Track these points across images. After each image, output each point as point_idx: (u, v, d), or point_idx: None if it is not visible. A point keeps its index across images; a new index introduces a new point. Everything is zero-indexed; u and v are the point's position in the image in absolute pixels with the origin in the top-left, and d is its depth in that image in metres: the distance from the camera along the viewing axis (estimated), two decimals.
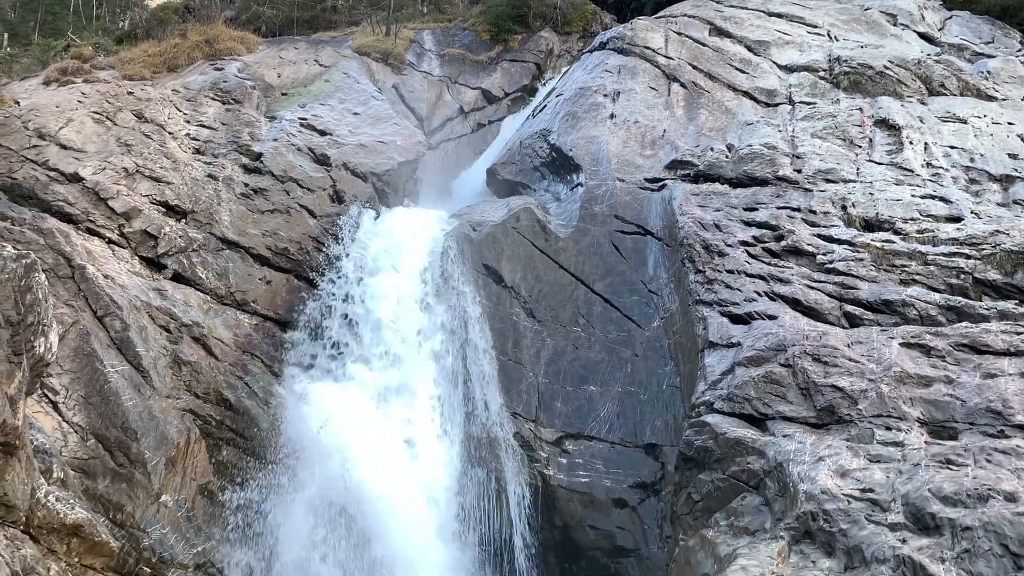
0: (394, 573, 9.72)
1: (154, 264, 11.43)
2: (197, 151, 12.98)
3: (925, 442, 8.54)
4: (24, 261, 7.45)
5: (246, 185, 12.50)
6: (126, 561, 9.22)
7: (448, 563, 10.16)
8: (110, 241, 11.31)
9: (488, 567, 11.06)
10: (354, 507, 10.03)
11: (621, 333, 12.59)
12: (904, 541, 7.56)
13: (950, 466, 8.02)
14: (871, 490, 8.13)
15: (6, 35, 21.98)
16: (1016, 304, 9.92)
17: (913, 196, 12.14)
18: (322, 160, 13.42)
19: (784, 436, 9.18)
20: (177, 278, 11.36)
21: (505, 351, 12.40)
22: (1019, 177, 12.86)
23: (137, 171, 12.05)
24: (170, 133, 13.09)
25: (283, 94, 15.58)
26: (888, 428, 8.81)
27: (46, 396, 9.57)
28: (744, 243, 11.89)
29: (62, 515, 8.60)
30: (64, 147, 11.92)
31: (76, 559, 8.81)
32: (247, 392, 10.77)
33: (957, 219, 11.62)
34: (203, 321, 10.95)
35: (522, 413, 12.30)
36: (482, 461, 11.29)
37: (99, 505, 9.27)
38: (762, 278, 11.26)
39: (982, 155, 13.30)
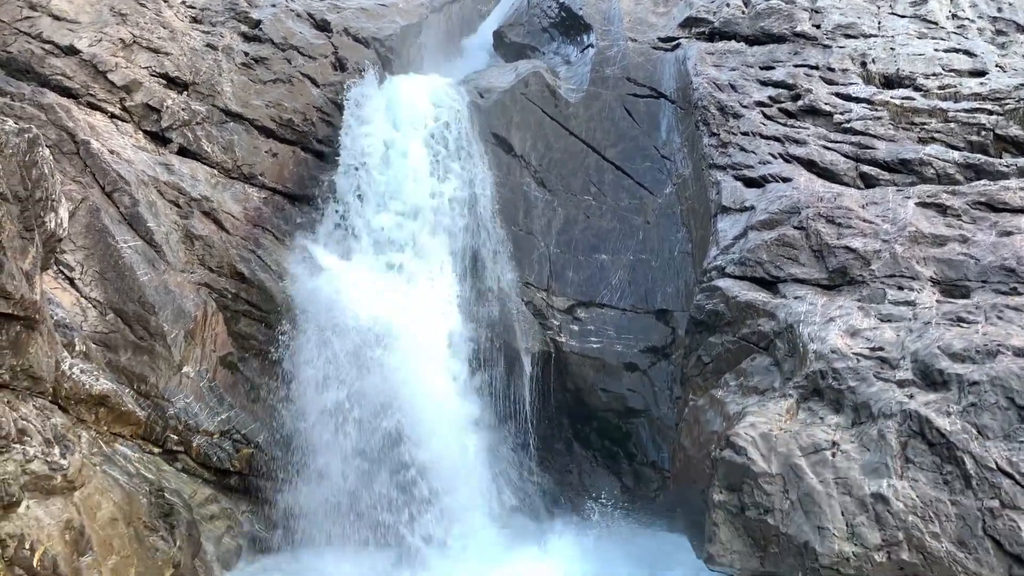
0: (415, 430, 9.98)
1: (159, 138, 11.26)
2: (194, 20, 12.55)
3: (936, 301, 8.55)
4: (27, 136, 7.34)
5: (246, 54, 12.14)
6: (153, 429, 9.54)
7: (463, 420, 10.45)
8: (112, 116, 11.10)
9: (503, 428, 11.39)
10: (370, 375, 10.21)
11: (633, 201, 12.48)
12: (911, 397, 7.69)
13: (960, 323, 8.06)
14: (881, 348, 8.21)
15: None
16: None
17: (936, 50, 11.69)
18: (322, 26, 12.97)
19: (795, 298, 9.22)
20: (183, 152, 11.21)
21: (516, 221, 12.34)
22: None
23: (134, 42, 11.69)
24: (165, 1, 12.62)
25: None
26: (900, 288, 8.81)
27: (62, 272, 9.66)
28: (760, 104, 11.58)
29: (87, 386, 8.85)
30: (57, 18, 11.53)
31: (105, 428, 9.13)
32: (260, 265, 10.83)
33: (981, 73, 11.23)
34: (212, 195, 10.88)
35: (534, 283, 12.37)
36: (494, 330, 11.42)
37: (123, 377, 9.51)
38: (777, 140, 11.03)
39: (1011, 4, 12.72)
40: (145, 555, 7.98)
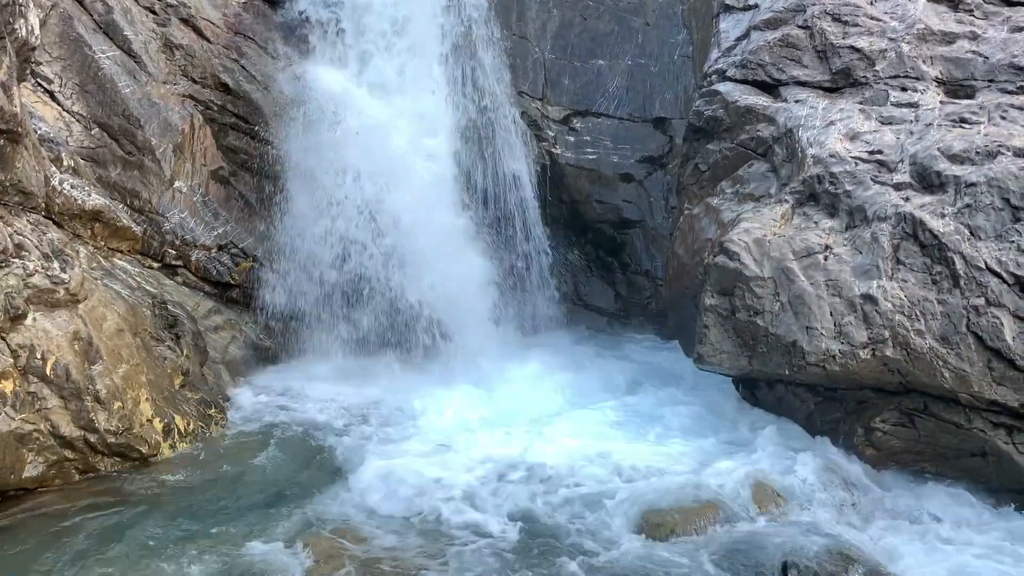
0: (415, 233, 10.03)
1: None
2: None
3: (940, 102, 8.35)
4: None
5: None
6: (150, 244, 9.59)
7: (461, 232, 10.49)
8: None
9: (501, 245, 11.46)
10: (365, 171, 10.08)
11: (632, 0, 11.91)
12: (907, 199, 7.67)
13: (963, 124, 7.91)
14: (879, 152, 8.10)
15: None
16: None
17: None
18: None
19: (796, 102, 8.99)
20: None
21: (509, 25, 11.84)
22: None
23: None
24: None
25: None
26: (904, 89, 8.57)
27: (41, 86, 9.34)
28: None
29: (80, 202, 8.80)
30: None
31: (102, 243, 9.17)
32: (245, 76, 10.47)
33: None
34: (188, 0, 10.35)
35: (528, 91, 12.05)
36: (489, 141, 11.22)
37: (115, 193, 9.43)
38: None
39: None
40: (154, 364, 8.23)
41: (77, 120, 9.36)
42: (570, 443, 8.08)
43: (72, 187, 8.80)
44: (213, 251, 10.00)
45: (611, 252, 12.37)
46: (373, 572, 5.80)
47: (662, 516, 6.58)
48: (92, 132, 9.40)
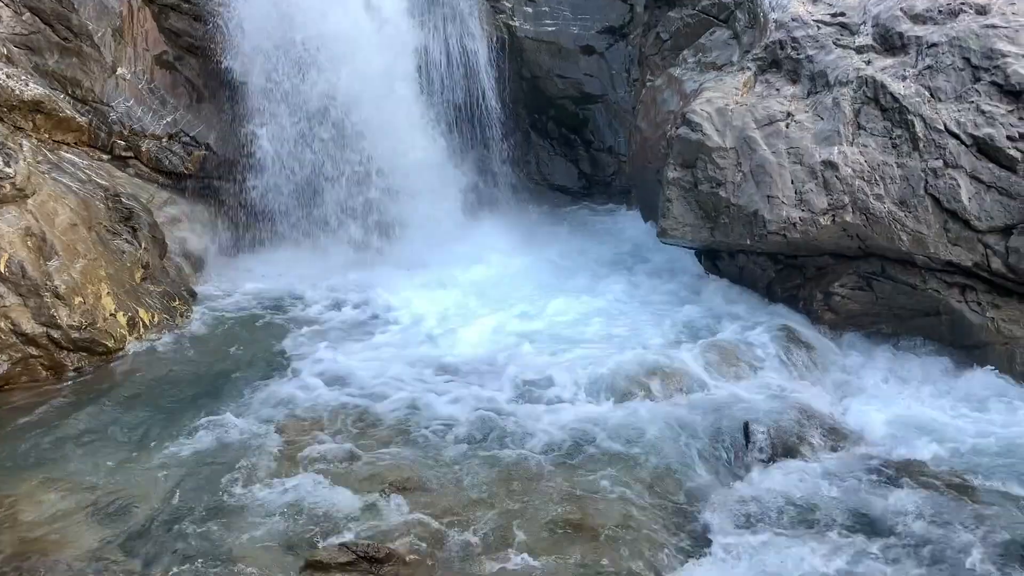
0: (375, 129, 9.78)
1: None
2: None
3: None
4: None
5: None
6: (97, 135, 9.25)
7: (421, 117, 10.24)
8: None
9: (462, 125, 11.22)
10: (317, 45, 9.69)
11: None
12: (869, 63, 7.59)
13: None
14: (842, 14, 7.95)
15: None
16: None
17: None
18: None
19: None
20: None
21: None
22: None
23: None
24: None
25: None
26: None
27: None
28: None
29: (18, 92, 8.40)
30: None
31: (46, 135, 8.82)
32: None
33: None
34: None
35: None
36: (444, 12, 10.81)
37: (55, 82, 9.02)
38: None
39: None
40: (112, 258, 8.09)
41: (5, 4, 8.82)
42: (536, 323, 8.19)
43: (8, 76, 8.39)
44: (164, 140, 9.70)
45: (573, 129, 12.20)
46: (337, 452, 5.93)
47: (627, 383, 6.75)
48: (23, 17, 8.89)
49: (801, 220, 7.48)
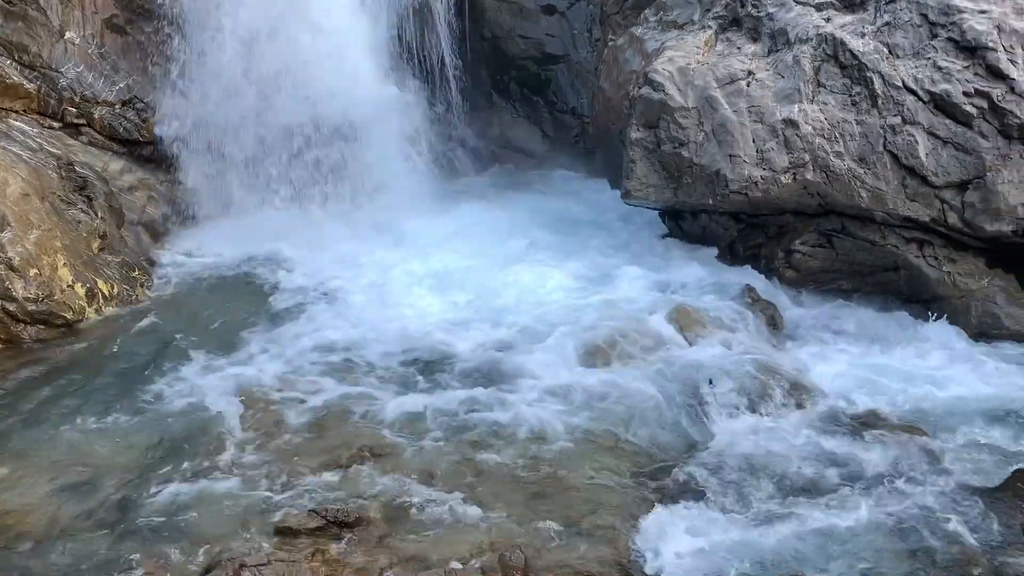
0: (328, 89, 9.58)
1: None
2: None
3: None
4: None
5: None
6: (47, 103, 8.98)
7: (377, 78, 10.07)
8: None
9: (422, 86, 11.07)
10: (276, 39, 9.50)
11: None
12: (828, 20, 7.61)
13: None
14: None
15: None
16: None
17: None
18: None
19: None
20: None
21: None
22: None
23: None
24: None
25: None
26: None
27: None
28: None
29: None
30: None
31: None
32: None
33: None
34: None
35: None
36: None
37: (0, 48, 8.74)
38: None
39: None
40: (68, 228, 7.91)
41: None
42: (507, 286, 8.19)
43: None
44: (117, 107, 9.45)
45: (536, 90, 12.12)
46: (303, 418, 5.91)
47: (593, 345, 6.79)
48: None
49: (762, 179, 7.53)
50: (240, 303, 8.00)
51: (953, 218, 6.95)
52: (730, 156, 7.64)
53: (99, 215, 8.35)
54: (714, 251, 8.48)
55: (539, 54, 11.85)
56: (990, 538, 4.66)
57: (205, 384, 6.37)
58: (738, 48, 7.97)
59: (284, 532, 4.64)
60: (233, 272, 8.77)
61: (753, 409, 6.04)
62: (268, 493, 5.10)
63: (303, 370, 6.62)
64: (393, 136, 10.18)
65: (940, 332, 7.00)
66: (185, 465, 5.38)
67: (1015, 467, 5.19)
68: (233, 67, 9.43)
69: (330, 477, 5.25)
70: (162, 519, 4.87)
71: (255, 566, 4.24)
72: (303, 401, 6.15)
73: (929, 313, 7.13)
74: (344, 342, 7.04)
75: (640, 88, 8.22)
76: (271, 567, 4.26)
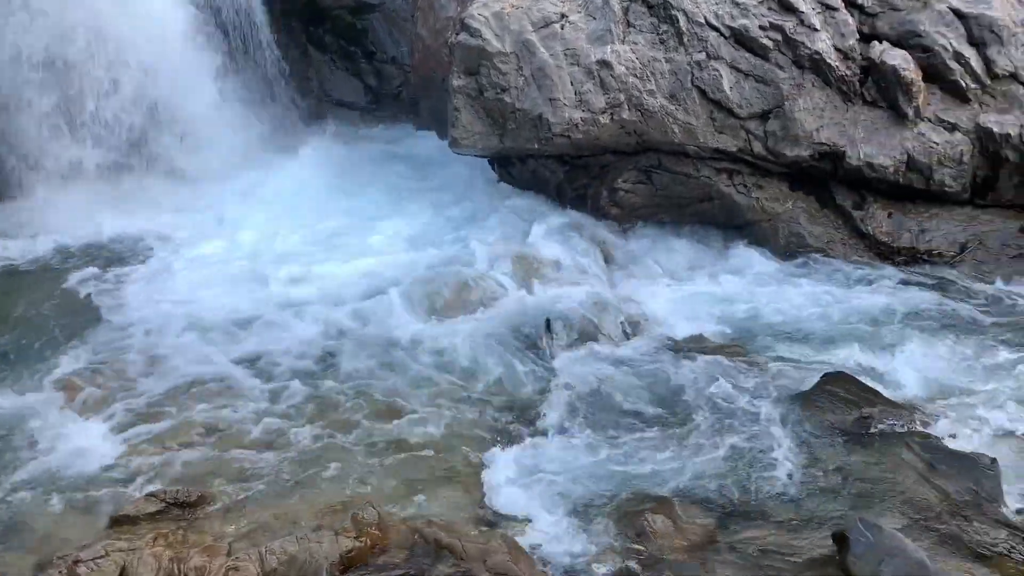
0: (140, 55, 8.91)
1: None
2: None
3: None
4: None
5: None
6: None
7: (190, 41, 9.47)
8: None
9: (237, 54, 10.48)
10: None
11: None
12: None
13: None
14: None
15: None
16: None
17: None
18: None
19: None
20: None
21: None
22: None
23: None
24: None
25: None
26: None
27: None
28: None
29: None
30: None
31: None
32: None
33: None
34: None
35: None
36: None
37: None
38: None
39: None
40: None
41: None
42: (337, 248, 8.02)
43: None
44: None
45: (353, 41, 11.76)
46: (132, 407, 5.62)
47: (432, 299, 6.81)
48: None
49: (583, 120, 7.71)
50: (63, 290, 7.35)
51: (758, 147, 7.40)
52: (551, 100, 7.76)
53: None
54: (543, 195, 8.63)
55: (353, 3, 11.49)
56: (803, 434, 5.12)
57: (27, 375, 5.93)
58: None
59: (121, 521, 4.42)
60: (51, 257, 8.04)
61: (589, 343, 6.28)
62: (100, 483, 4.82)
63: (131, 352, 6.24)
64: (206, 100, 9.61)
65: (754, 255, 7.50)
66: (8, 464, 5.00)
67: (822, 373, 5.69)
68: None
69: (168, 458, 5.03)
70: None
71: (92, 560, 4.02)
72: (132, 386, 5.82)
73: (743, 238, 7.62)
74: (167, 319, 6.68)
75: (458, 34, 8.16)
76: (110, 559, 4.05)
